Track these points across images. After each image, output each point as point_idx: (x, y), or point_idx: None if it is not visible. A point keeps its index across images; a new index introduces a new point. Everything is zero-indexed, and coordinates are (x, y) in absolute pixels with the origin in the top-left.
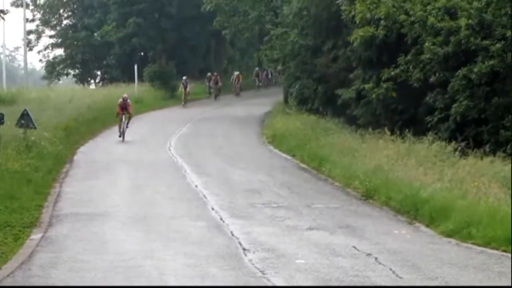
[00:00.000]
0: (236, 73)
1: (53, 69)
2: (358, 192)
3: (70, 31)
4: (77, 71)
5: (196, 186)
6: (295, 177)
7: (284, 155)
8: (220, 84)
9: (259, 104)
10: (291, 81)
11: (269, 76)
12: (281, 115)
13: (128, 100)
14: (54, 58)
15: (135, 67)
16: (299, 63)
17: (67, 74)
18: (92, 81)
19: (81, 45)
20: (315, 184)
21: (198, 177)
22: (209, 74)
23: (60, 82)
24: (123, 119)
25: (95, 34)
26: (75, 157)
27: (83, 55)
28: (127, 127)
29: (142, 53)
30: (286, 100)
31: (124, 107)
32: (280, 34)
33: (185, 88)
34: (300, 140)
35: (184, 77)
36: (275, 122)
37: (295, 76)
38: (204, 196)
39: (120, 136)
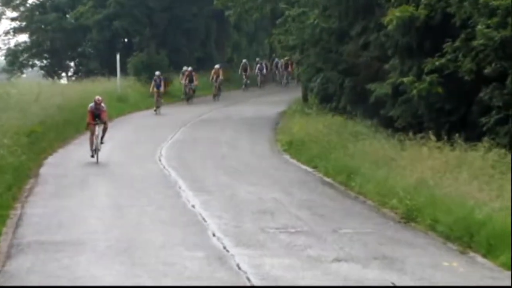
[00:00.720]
0: (216, 66)
1: (15, 59)
2: (397, 213)
3: (37, 13)
4: (45, 62)
5: (193, 206)
6: (318, 194)
7: (303, 166)
8: (195, 83)
9: (271, 103)
10: (311, 73)
11: (264, 70)
12: (299, 116)
13: (103, 104)
14: (17, 45)
15: (117, 57)
16: (320, 51)
17: (33, 66)
18: (64, 74)
19: (50, 29)
20: (343, 203)
21: (195, 195)
22: (184, 68)
23: (24, 75)
24: (96, 132)
25: (68, 16)
26: (42, 170)
27: (53, 42)
28: (101, 142)
29: (125, 40)
30: (305, 98)
31: (97, 114)
32: (297, 15)
33: (158, 87)
34: (324, 148)
35: (157, 73)
36: (291, 125)
37: (316, 67)
38: (203, 219)
39: (92, 156)
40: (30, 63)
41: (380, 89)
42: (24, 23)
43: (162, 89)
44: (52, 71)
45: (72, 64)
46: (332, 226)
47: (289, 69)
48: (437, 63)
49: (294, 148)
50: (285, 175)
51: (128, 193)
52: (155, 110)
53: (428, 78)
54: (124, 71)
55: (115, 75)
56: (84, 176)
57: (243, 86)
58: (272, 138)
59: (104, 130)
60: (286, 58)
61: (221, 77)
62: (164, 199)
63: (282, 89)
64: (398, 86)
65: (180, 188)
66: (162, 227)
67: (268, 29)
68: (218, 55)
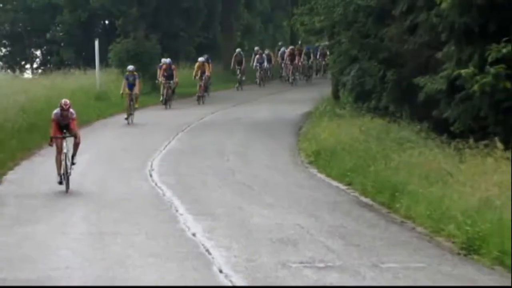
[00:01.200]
0: (201, 59)
1: None
2: (454, 242)
3: None
4: (3, 50)
5: (193, 234)
6: (353, 218)
7: (334, 183)
8: (175, 80)
9: (292, 101)
10: (343, 64)
11: (265, 63)
12: (329, 118)
13: (72, 110)
14: None
15: (96, 43)
16: (355, 35)
17: None
18: (28, 66)
19: (10, 9)
20: (385, 230)
21: (196, 219)
22: (162, 60)
23: None
24: (64, 148)
25: None
26: (0, 189)
27: (13, 25)
28: (72, 163)
29: (106, 22)
30: (336, 95)
31: (64, 124)
32: None
33: (131, 87)
34: (360, 159)
35: (130, 68)
36: (319, 130)
37: (349, 56)
38: (207, 250)
39: (60, 182)
40: None
41: (432, 84)
42: None
43: (136, 90)
44: (12, 62)
45: (38, 53)
46: (371, 259)
47: (296, 61)
48: (504, 50)
49: (322, 159)
50: (311, 195)
51: (111, 218)
52: (126, 119)
53: (492, 70)
54: (104, 61)
55: (93, 67)
56: (55, 195)
57: (237, 85)
58: (294, 147)
59: (76, 146)
60: (291, 47)
61: (207, 73)
62: (157, 225)
63: (291, 88)
64: (455, 80)
65: (176, 211)
66: (154, 262)
67: (288, 8)
68: (225, 41)
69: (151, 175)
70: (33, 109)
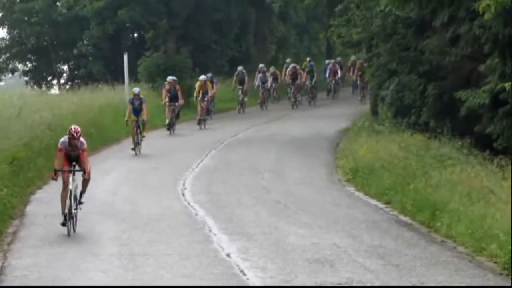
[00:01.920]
0: (202, 77)
1: None
2: (497, 262)
3: (17, 0)
4: (29, 65)
5: (228, 255)
6: (392, 238)
7: (373, 201)
8: (180, 102)
9: (328, 117)
10: (382, 78)
11: (268, 82)
12: (367, 134)
13: (82, 140)
14: None
15: (125, 57)
16: (394, 47)
17: (13, 71)
18: (55, 81)
19: (36, 22)
20: (425, 249)
21: (230, 239)
22: (168, 78)
23: (2, 83)
24: (70, 185)
25: (58, 4)
26: (29, 209)
27: (40, 39)
28: (80, 202)
29: (135, 35)
30: (374, 110)
31: (73, 156)
32: (363, 0)
33: (136, 113)
34: (399, 177)
35: (136, 90)
36: (356, 147)
37: (388, 69)
38: (242, 271)
39: (64, 223)
40: (10, 67)
41: (474, 98)
42: (0, 14)
43: (144, 115)
44: (39, 78)
45: (65, 68)
46: (411, 279)
47: (299, 81)
48: None
49: (360, 177)
50: (349, 213)
51: (142, 238)
52: (133, 149)
53: None
54: (133, 76)
55: (122, 82)
56: (84, 215)
57: (238, 106)
58: (331, 164)
59: (85, 183)
60: (292, 65)
61: (210, 93)
62: (190, 245)
63: (291, 113)
64: (498, 94)
65: (210, 230)
66: (187, 283)
67: (324, 19)
68: (259, 54)
69: (183, 194)
70: (60, 126)
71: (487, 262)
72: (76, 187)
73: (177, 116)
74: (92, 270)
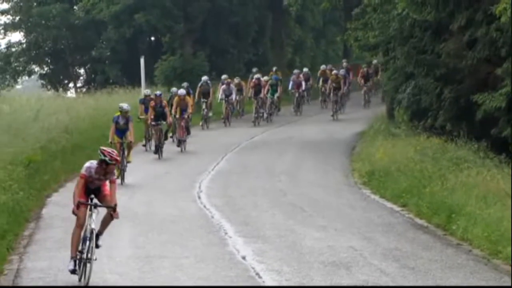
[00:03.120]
0: (181, 92)
1: (6, 66)
2: None
3: (35, 4)
4: (46, 68)
5: (243, 257)
6: (408, 241)
7: (389, 204)
8: (168, 120)
9: (344, 121)
10: (398, 81)
11: (233, 95)
12: (383, 137)
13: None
14: (9, 47)
15: (142, 61)
16: (411, 51)
17: (30, 74)
18: (71, 85)
19: (53, 26)
20: (441, 252)
21: (246, 242)
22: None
23: (19, 86)
24: (87, 221)
25: (75, 8)
26: (45, 211)
27: (56, 42)
28: (97, 245)
29: (152, 39)
30: (390, 113)
31: (94, 187)
32: (380, 3)
33: (120, 134)
34: (415, 180)
35: (124, 106)
36: (373, 150)
37: (405, 73)
38: (257, 274)
39: (73, 270)
40: (27, 70)
41: (491, 101)
42: (18, 18)
43: (129, 137)
44: (55, 81)
45: (82, 71)
46: (427, 282)
47: (262, 94)
48: None
49: (376, 180)
50: (365, 216)
51: (158, 241)
52: (118, 177)
53: None
54: (150, 79)
55: (139, 85)
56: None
57: (201, 121)
58: (347, 167)
59: (107, 222)
60: (256, 77)
61: (189, 110)
62: (206, 248)
63: (254, 132)
64: None
65: (226, 233)
66: (203, 286)
67: (341, 23)
68: (275, 57)
69: (199, 197)
70: (77, 129)
71: (503, 265)
72: (93, 226)
73: (165, 137)
74: (108, 272)
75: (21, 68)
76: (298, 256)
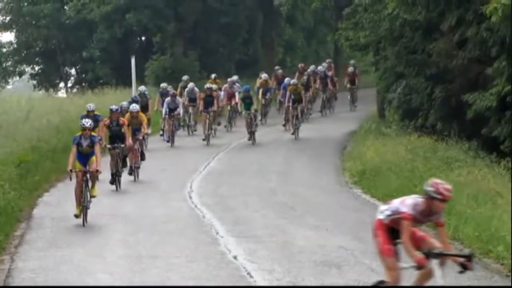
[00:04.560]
0: (133, 108)
1: None
2: (503, 264)
3: (25, 3)
4: (37, 68)
5: (235, 257)
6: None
7: (380, 204)
8: (128, 143)
9: (336, 120)
10: (389, 81)
11: (179, 109)
12: (374, 137)
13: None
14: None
15: (132, 61)
16: (402, 50)
17: (21, 74)
18: (62, 85)
19: (44, 26)
20: None
21: (237, 242)
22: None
23: (9, 86)
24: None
25: (66, 8)
26: (36, 211)
27: (47, 42)
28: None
29: (143, 38)
30: (381, 113)
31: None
32: (371, 3)
33: (84, 160)
34: (406, 179)
35: (85, 123)
36: (364, 149)
37: (395, 72)
38: (249, 274)
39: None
40: (18, 70)
41: (481, 100)
42: (8, 17)
43: (95, 163)
44: (46, 81)
45: (72, 71)
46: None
47: (215, 107)
48: None
49: (367, 179)
50: (356, 216)
51: (149, 240)
52: (77, 216)
53: None
54: (140, 79)
55: (130, 85)
56: (91, 218)
57: (161, 132)
58: (338, 167)
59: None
60: (207, 86)
61: (145, 130)
62: (197, 247)
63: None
64: (506, 96)
65: (217, 233)
66: (194, 285)
67: (332, 23)
68: (266, 57)
69: (190, 196)
70: (67, 129)
71: (494, 264)
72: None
73: (124, 163)
74: (99, 272)
75: (12, 69)
76: (289, 256)
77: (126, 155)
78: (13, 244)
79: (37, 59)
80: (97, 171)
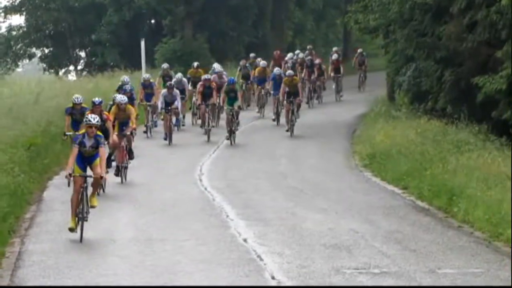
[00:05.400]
0: (120, 99)
1: (7, 49)
2: None
3: None
4: (46, 51)
5: (245, 240)
6: (409, 223)
7: (389, 187)
8: (113, 139)
9: (345, 103)
10: (399, 64)
11: (178, 102)
12: (384, 120)
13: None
14: (9, 30)
15: (142, 44)
16: (411, 33)
17: (31, 57)
18: (72, 67)
19: (53, 9)
20: (442, 234)
21: (248, 225)
22: (164, 66)
23: (19, 69)
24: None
25: None
26: (46, 194)
27: (56, 25)
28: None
29: (152, 21)
30: (391, 96)
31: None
32: None
33: (83, 165)
34: (416, 163)
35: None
36: (373, 133)
37: (405, 55)
38: (259, 256)
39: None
40: (27, 53)
41: (491, 83)
42: (18, 0)
43: (100, 168)
44: (56, 64)
45: (82, 54)
46: (428, 265)
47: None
48: None
49: (377, 162)
50: (366, 199)
51: (159, 223)
52: (71, 229)
53: None
54: (150, 62)
55: (139, 68)
56: (101, 200)
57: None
58: (348, 150)
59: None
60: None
61: (133, 124)
62: (207, 230)
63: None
64: None
65: (227, 216)
66: (204, 268)
67: (341, 5)
68: (276, 40)
69: (200, 179)
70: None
71: (504, 247)
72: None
73: (108, 163)
74: (110, 255)
75: (21, 52)
76: (299, 239)
77: (111, 154)
78: (23, 227)
79: (46, 42)
80: (101, 177)
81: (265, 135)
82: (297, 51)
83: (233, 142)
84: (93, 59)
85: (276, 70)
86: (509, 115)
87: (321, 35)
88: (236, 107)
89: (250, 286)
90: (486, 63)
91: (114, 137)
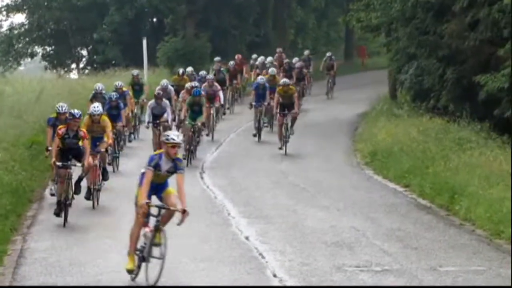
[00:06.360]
0: (95, 109)
1: (9, 47)
2: None
3: None
4: (48, 49)
5: (246, 238)
6: (411, 221)
7: (391, 184)
8: (87, 160)
9: (347, 102)
10: (401, 62)
11: (168, 116)
12: (386, 118)
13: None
14: (11, 28)
15: (144, 42)
16: (413, 31)
17: (33, 55)
18: (74, 65)
19: (55, 7)
20: (444, 232)
21: (249, 223)
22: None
23: (21, 67)
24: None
25: None
26: (48, 192)
27: (58, 23)
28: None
29: (154, 20)
30: (393, 94)
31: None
32: None
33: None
34: (418, 161)
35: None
36: (375, 131)
37: (407, 54)
38: (261, 254)
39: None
40: (29, 51)
41: (493, 82)
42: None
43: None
44: (57, 62)
45: (84, 52)
46: (429, 263)
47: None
48: None
49: (378, 160)
50: (367, 197)
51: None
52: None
53: None
54: (152, 61)
55: (141, 66)
56: (103, 198)
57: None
58: (350, 148)
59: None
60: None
61: (108, 139)
62: (209, 228)
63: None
64: None
65: (229, 214)
66: (206, 266)
67: (343, 4)
68: (278, 39)
69: (202, 177)
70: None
71: (506, 245)
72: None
73: (77, 189)
74: (111, 253)
75: (23, 50)
76: (300, 236)
77: (82, 178)
78: (25, 225)
79: (48, 40)
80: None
81: (267, 133)
82: (262, 57)
83: (190, 163)
84: (95, 57)
85: (260, 79)
86: (511, 113)
87: (323, 33)
88: (199, 124)
89: (251, 286)
90: (488, 61)
91: (90, 159)
